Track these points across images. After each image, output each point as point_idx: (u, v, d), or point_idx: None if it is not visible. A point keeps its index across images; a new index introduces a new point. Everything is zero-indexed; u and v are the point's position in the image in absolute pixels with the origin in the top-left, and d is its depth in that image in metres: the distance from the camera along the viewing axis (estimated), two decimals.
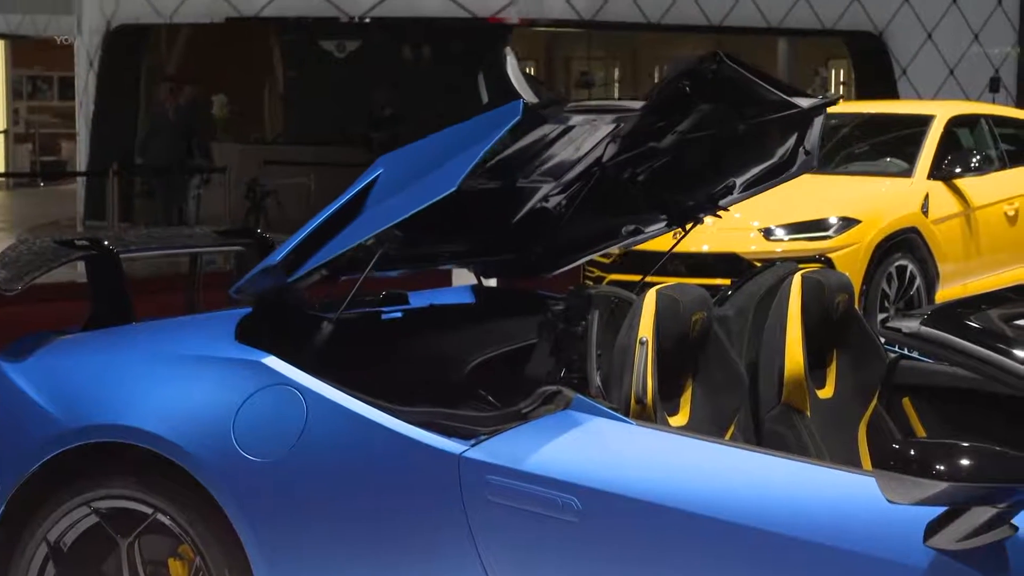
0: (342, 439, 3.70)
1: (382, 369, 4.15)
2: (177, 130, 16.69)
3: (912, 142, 10.82)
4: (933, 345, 3.46)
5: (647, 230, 4.80)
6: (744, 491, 3.33)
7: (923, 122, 10.98)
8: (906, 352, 4.38)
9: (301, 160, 17.31)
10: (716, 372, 3.98)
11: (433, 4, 16.76)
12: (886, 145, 11.30)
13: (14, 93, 29.23)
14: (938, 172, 10.54)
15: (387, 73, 18.42)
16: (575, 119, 3.80)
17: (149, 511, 3.88)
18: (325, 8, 16.92)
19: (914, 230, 10.10)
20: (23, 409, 4.04)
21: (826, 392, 4.29)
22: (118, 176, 16.15)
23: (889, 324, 3.53)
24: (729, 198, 4.71)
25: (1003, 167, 11.28)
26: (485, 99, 3.80)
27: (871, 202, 10.08)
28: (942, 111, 11.22)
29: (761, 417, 4.12)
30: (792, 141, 4.57)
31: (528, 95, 3.57)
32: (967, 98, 19.00)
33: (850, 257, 9.57)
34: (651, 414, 3.67)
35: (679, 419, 3.88)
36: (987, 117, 11.68)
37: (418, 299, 4.73)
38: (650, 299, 3.79)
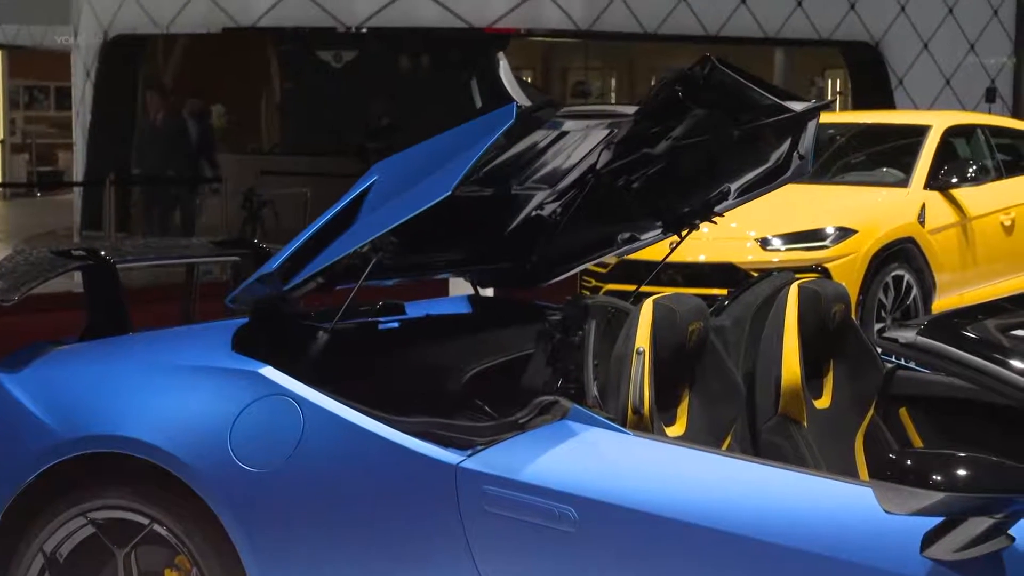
0: (339, 449, 3.70)
1: (379, 379, 4.15)
2: (185, 142, 16.70)
3: (908, 152, 10.83)
4: (930, 355, 3.45)
5: (643, 237, 4.80)
6: (741, 501, 3.33)
7: (919, 132, 10.98)
8: (903, 362, 4.39)
9: (298, 170, 17.29)
10: (713, 382, 3.98)
11: (430, 14, 16.76)
12: (882, 155, 11.30)
13: (11, 103, 29.23)
14: (934, 182, 10.54)
15: (384, 83, 18.42)
16: (568, 124, 3.80)
17: (146, 522, 3.87)
18: (322, 18, 16.92)
19: (911, 240, 10.10)
20: (19, 419, 4.03)
21: (823, 402, 4.29)
22: (115, 186, 16.14)
23: (886, 334, 3.53)
24: (724, 204, 4.72)
25: (999, 177, 11.29)
26: (479, 104, 3.81)
27: (868, 212, 10.08)
28: (938, 121, 11.23)
29: (758, 427, 4.12)
30: (786, 146, 4.58)
31: (521, 98, 3.57)
32: (963, 108, 19.03)
33: (847, 267, 9.57)
34: (648, 424, 3.66)
35: (676, 429, 3.88)
36: (983, 127, 11.69)
37: (414, 309, 4.73)
38: (647, 309, 3.79)
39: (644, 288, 5.11)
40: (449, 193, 3.56)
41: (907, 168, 10.68)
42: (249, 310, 4.14)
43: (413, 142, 3.83)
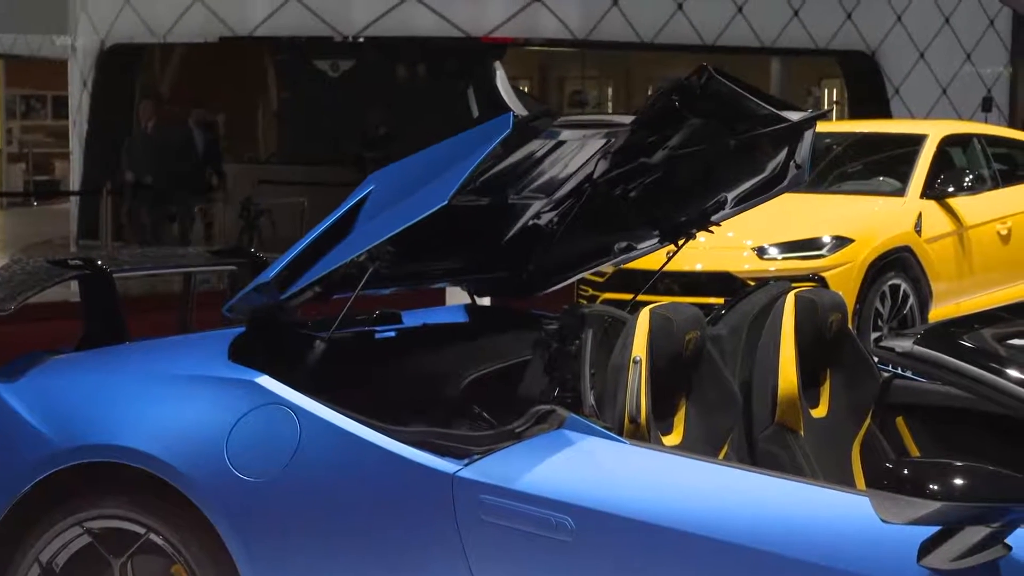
0: (335, 458, 3.69)
1: (375, 388, 4.14)
2: (191, 151, 16.71)
3: (905, 161, 10.84)
4: (926, 364, 3.45)
5: (639, 246, 4.80)
6: (738, 510, 3.33)
7: (916, 141, 10.99)
8: (899, 371, 4.39)
9: (295, 180, 17.27)
10: (710, 391, 3.98)
11: (427, 23, 16.77)
12: (879, 164, 11.32)
13: (8, 112, 29.23)
14: (931, 191, 10.55)
15: (381, 93, 18.42)
16: (565, 134, 3.80)
17: (142, 531, 3.87)
18: (319, 28, 16.93)
19: (907, 249, 10.11)
20: (16, 429, 4.03)
21: (820, 411, 4.28)
22: (112, 195, 16.13)
23: (882, 343, 3.53)
24: (721, 213, 4.72)
25: (996, 186, 11.30)
26: (476, 113, 3.81)
27: (864, 221, 10.09)
28: (935, 130, 11.24)
29: (755, 436, 4.12)
30: (783, 155, 4.58)
31: (518, 108, 3.57)
32: (960, 117, 19.04)
33: (843, 276, 9.58)
34: (645, 433, 3.66)
35: (673, 438, 3.88)
36: (980, 136, 11.70)
37: (411, 318, 4.73)
38: (643, 318, 3.79)
39: (641, 297, 5.12)
40: (446, 203, 3.56)
41: (903, 177, 10.70)
42: (246, 319, 4.14)
43: (410, 151, 3.83)
